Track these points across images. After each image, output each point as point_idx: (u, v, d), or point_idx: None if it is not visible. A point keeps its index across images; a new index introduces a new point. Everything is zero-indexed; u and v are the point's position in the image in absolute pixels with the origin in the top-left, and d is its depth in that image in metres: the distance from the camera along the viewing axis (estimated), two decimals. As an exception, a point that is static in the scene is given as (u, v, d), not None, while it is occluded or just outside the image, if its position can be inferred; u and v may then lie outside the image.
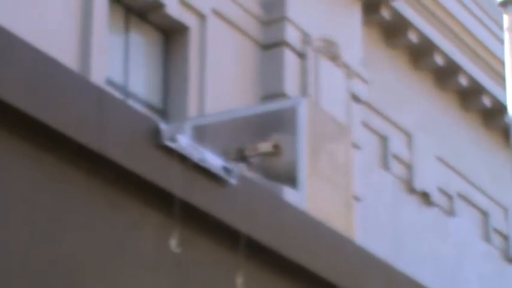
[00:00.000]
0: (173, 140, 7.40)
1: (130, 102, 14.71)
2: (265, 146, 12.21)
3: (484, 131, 21.97)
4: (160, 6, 15.62)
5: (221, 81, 16.34)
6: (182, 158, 7.51)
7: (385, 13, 19.35)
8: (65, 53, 13.80)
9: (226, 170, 7.88)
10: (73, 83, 7.43)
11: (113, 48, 15.47)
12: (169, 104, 16.07)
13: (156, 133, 7.46)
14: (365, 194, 17.47)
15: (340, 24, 18.46)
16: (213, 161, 7.87)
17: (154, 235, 7.56)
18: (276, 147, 12.17)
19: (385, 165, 19.43)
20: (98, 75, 14.46)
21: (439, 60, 20.32)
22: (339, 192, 13.48)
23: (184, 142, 7.57)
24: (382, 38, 20.16)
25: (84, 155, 6.93)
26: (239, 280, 8.01)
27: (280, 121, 12.95)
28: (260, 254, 8.23)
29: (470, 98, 21.77)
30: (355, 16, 18.94)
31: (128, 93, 15.46)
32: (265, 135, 12.38)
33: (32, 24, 13.70)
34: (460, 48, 20.70)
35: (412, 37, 20.08)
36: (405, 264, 14.39)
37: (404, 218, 19.44)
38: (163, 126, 7.49)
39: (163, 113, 15.65)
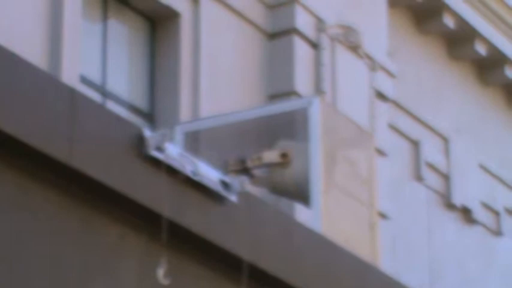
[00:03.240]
0: (160, 149, 7.41)
1: (109, 105, 14.83)
2: (271, 156, 12.53)
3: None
4: None
5: (219, 78, 16.17)
6: (171, 171, 7.51)
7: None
8: (30, 46, 13.86)
9: (225, 184, 7.92)
10: (40, 82, 7.43)
11: (88, 39, 15.24)
12: (157, 106, 16.03)
13: (140, 141, 7.49)
14: (393, 211, 17.33)
15: (361, 8, 18.33)
16: (209, 174, 7.91)
17: (138, 263, 7.56)
18: (284, 156, 12.43)
19: (418, 176, 19.13)
20: (70, 72, 14.34)
21: (481, 48, 19.88)
22: (360, 209, 13.80)
23: (173, 152, 7.59)
24: (412, 23, 20.02)
25: (53, 168, 6.93)
26: None
27: (289, 125, 13.26)
28: (267, 286, 8.41)
29: (520, 94, 17.71)
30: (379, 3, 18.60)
31: (106, 94, 15.34)
32: (272, 142, 12.82)
33: None
34: (506, 34, 20.34)
35: (449, 21, 19.69)
36: None
37: (442, 239, 19.15)
38: (148, 133, 7.49)
39: (149, 117, 15.60)
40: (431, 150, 19.99)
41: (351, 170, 13.60)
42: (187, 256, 7.98)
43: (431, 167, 19.90)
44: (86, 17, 15.51)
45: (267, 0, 17.60)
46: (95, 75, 15.55)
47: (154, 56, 16.62)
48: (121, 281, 7.76)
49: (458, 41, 20.49)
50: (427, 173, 19.78)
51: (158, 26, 16.87)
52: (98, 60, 15.90)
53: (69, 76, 14.34)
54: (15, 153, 6.95)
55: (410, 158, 19.68)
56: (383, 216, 16.40)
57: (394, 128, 18.91)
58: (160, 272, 7.55)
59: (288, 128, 13.17)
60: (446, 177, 20.47)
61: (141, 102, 16.25)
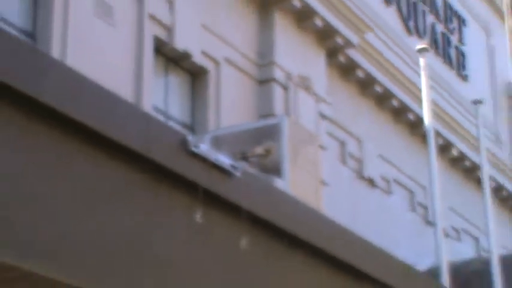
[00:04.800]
0: (197, 147, 7.27)
1: (170, 122, 15.38)
2: (260, 150, 12.38)
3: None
4: (189, 56, 15.99)
5: (230, 105, 16.59)
6: (203, 159, 7.31)
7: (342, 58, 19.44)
8: (124, 89, 13.67)
9: (233, 166, 7.71)
10: (128, 110, 7.20)
11: (157, 85, 15.83)
12: (196, 122, 16.19)
13: (185, 142, 7.24)
14: (329, 181, 17.65)
15: (311, 64, 18.57)
16: (224, 160, 7.63)
17: (184, 213, 7.24)
18: (268, 150, 12.36)
19: (342, 160, 19.70)
20: (146, 102, 14.70)
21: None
22: (311, 180, 13.66)
23: (204, 148, 7.38)
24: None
25: (135, 158, 6.70)
26: (243, 241, 7.74)
27: (270, 132, 12.98)
28: (257, 224, 7.90)
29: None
30: (321, 59, 19.07)
31: (168, 116, 15.71)
32: (260, 142, 12.54)
33: (102, 69, 13.31)
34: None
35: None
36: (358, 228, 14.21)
37: (357, 198, 19.53)
38: (190, 137, 7.42)
39: (191, 128, 15.92)
40: (352, 147, 19.95)
41: (305, 158, 13.42)
42: (213, 207, 7.34)
43: (351, 156, 19.72)
44: (156, 72, 15.60)
45: (258, 62, 17.51)
46: (161, 105, 15.70)
47: (194, 95, 16.53)
48: (173, 223, 7.28)
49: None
50: (349, 160, 19.82)
51: (196, 77, 16.66)
52: (162, 95, 15.89)
53: (147, 106, 14.54)
54: (118, 151, 6.58)
55: (339, 151, 19.34)
56: (324, 184, 16.26)
57: (330, 134, 18.74)
58: (198, 216, 7.11)
59: (270, 134, 12.79)
60: (360, 162, 20.37)
61: (187, 120, 16.16)
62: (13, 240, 5.79)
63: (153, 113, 13.87)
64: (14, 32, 12.50)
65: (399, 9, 22.10)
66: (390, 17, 21.73)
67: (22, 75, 5.78)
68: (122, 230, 6.67)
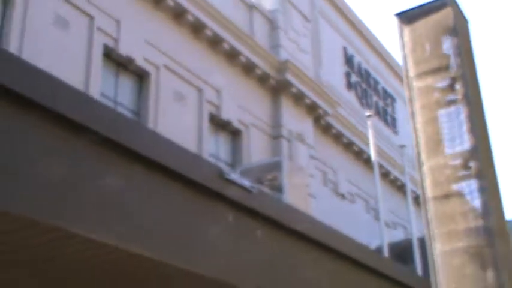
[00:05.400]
0: (229, 175, 7.09)
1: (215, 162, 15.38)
2: (270, 176, 13.18)
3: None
4: (230, 122, 16.23)
5: (257, 152, 16.41)
6: (233, 182, 7.10)
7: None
8: (189, 140, 14.47)
9: (252, 187, 7.43)
10: (187, 155, 7.07)
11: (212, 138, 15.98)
12: (235, 162, 16.01)
13: (222, 172, 7.07)
14: (317, 195, 17.88)
15: (304, 127, 18.47)
16: (246, 183, 7.36)
17: (222, 215, 6.92)
18: (274, 177, 13.18)
19: (324, 183, 19.41)
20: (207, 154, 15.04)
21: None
22: (301, 195, 14.37)
23: (235, 176, 7.20)
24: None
25: (191, 182, 6.51)
26: (258, 233, 7.52)
27: (276, 166, 13.79)
28: (269, 222, 7.54)
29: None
30: (310, 123, 19.05)
31: (219, 159, 15.76)
32: (270, 172, 13.40)
33: (177, 132, 13.83)
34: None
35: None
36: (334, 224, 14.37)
37: (333, 206, 19.01)
38: (225, 169, 7.31)
39: (232, 165, 15.70)
40: (331, 176, 19.85)
41: (299, 181, 14.06)
42: (241, 211, 7.16)
43: (330, 181, 19.75)
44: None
45: (271, 125, 17.60)
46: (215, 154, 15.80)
47: (234, 152, 16.58)
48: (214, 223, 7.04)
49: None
50: (328, 183, 19.57)
51: (236, 136, 16.64)
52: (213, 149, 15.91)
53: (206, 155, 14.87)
54: (173, 177, 6.35)
55: (321, 178, 19.39)
56: (312, 197, 17.06)
57: (315, 167, 18.90)
58: (230, 217, 7.09)
59: (277, 167, 13.52)
60: (336, 184, 20.08)
61: (229, 161, 16.02)
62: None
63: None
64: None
65: (356, 92, 22.38)
66: (350, 97, 21.93)
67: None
68: (187, 224, 6.50)
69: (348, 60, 22.40)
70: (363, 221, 19.66)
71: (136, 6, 14.15)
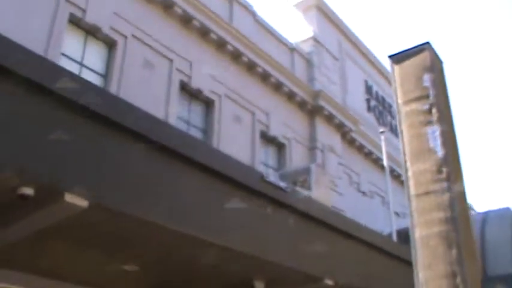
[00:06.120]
0: (268, 177, 6.93)
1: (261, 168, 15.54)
2: (302, 178, 13.03)
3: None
4: (276, 137, 16.28)
5: (299, 160, 16.21)
6: (270, 183, 6.93)
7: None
8: (243, 155, 14.74)
9: (286, 187, 7.24)
10: (236, 164, 6.91)
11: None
12: (280, 168, 15.83)
13: (262, 175, 6.95)
14: (343, 193, 17.83)
15: (333, 140, 18.19)
16: (281, 184, 7.21)
17: (262, 209, 6.76)
18: (305, 179, 13.05)
19: (350, 184, 19.03)
20: (257, 164, 15.11)
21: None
22: (325, 193, 13.82)
23: (273, 178, 7.10)
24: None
25: (242, 185, 6.45)
26: (290, 220, 7.29)
27: (307, 171, 13.46)
28: (298, 213, 7.31)
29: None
30: (338, 137, 18.72)
31: (267, 165, 15.78)
32: (302, 175, 13.22)
33: (237, 146, 14.47)
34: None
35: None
36: (357, 217, 14.35)
37: (357, 201, 18.64)
38: (265, 172, 7.20)
39: (277, 170, 15.47)
40: (355, 177, 19.47)
41: (323, 182, 13.69)
42: (278, 206, 6.98)
43: (355, 183, 19.30)
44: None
45: (308, 139, 17.41)
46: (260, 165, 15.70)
47: (280, 157, 16.55)
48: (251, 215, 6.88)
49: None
50: (353, 183, 19.16)
51: (280, 147, 16.60)
52: (263, 158, 15.89)
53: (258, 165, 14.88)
54: (227, 183, 6.22)
55: (347, 179, 18.99)
56: (340, 194, 17.01)
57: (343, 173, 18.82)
58: (268, 209, 6.95)
59: (307, 171, 13.19)
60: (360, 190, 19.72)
61: (276, 167, 15.92)
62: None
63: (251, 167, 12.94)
64: None
65: (374, 114, 21.87)
66: (370, 117, 21.44)
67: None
68: (241, 216, 6.34)
69: (368, 89, 22.13)
70: (379, 212, 19.19)
71: (206, 51, 14.25)
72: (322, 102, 17.83)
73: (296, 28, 19.64)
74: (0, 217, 4.74)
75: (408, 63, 4.93)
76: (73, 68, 10.95)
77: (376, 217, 18.09)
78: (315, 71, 18.61)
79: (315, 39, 19.24)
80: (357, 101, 20.85)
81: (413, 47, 4.99)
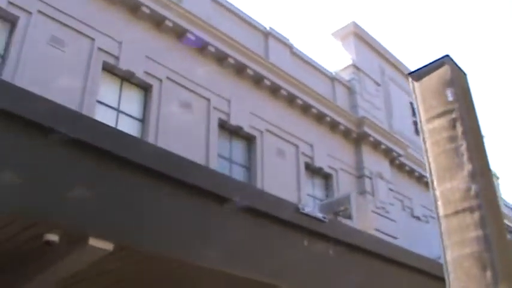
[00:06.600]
0: (303, 209, 6.80)
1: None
2: (342, 208, 12.98)
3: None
4: (322, 169, 16.18)
5: (345, 188, 15.84)
6: (306, 214, 6.76)
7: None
8: (287, 192, 14.71)
9: (324, 217, 7.04)
10: (274, 199, 6.88)
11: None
12: (328, 198, 15.65)
13: (298, 207, 6.78)
14: (396, 220, 17.41)
15: (382, 166, 18.03)
16: (318, 214, 6.99)
17: (299, 240, 6.58)
18: (346, 208, 12.97)
19: (403, 209, 18.58)
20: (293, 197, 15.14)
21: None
22: (366, 220, 13.77)
23: (308, 209, 6.88)
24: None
25: (278, 219, 6.31)
26: (330, 251, 7.07)
27: (347, 199, 13.34)
28: (341, 245, 7.14)
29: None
30: (387, 163, 18.54)
31: (315, 197, 15.67)
32: (342, 205, 13.12)
33: (280, 179, 14.39)
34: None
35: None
36: (412, 241, 14.21)
37: (411, 226, 18.27)
38: (300, 205, 6.95)
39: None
40: (415, 205, 19.13)
41: (363, 210, 13.64)
42: (316, 236, 6.80)
43: (405, 209, 19.13)
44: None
45: (355, 168, 17.36)
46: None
47: (328, 187, 16.45)
48: (279, 243, 6.75)
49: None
50: (400, 209, 19.02)
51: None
52: (310, 190, 15.91)
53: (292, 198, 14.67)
54: (257, 215, 6.09)
55: (401, 204, 18.84)
56: (393, 221, 16.39)
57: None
58: (305, 242, 6.71)
59: (347, 200, 13.19)
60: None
61: (323, 198, 15.77)
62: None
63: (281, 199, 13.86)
64: None
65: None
66: (419, 140, 19.65)
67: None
68: (275, 249, 6.27)
69: (415, 111, 21.37)
70: (436, 237, 18.04)
71: (243, 87, 14.32)
72: (367, 129, 17.65)
73: (335, 57, 19.60)
74: (23, 268, 4.72)
75: (428, 79, 4.77)
76: (110, 114, 11.21)
77: (431, 242, 16.96)
78: (357, 98, 18.48)
79: (354, 66, 19.16)
80: (404, 125, 20.54)
81: (432, 62, 4.86)
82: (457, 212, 4.21)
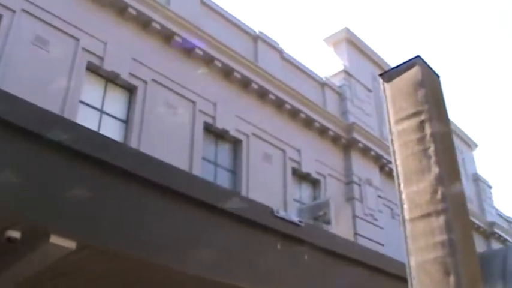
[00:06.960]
0: (278, 213, 6.70)
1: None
2: (321, 213, 12.96)
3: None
4: (309, 174, 16.12)
5: (332, 194, 16.03)
6: (281, 218, 6.70)
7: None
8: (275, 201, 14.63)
9: (299, 221, 6.97)
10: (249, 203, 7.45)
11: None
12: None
13: (272, 211, 6.66)
14: (384, 227, 17.26)
15: (372, 173, 18.04)
16: (294, 218, 6.94)
17: (273, 244, 6.47)
18: (325, 213, 12.98)
19: (392, 217, 18.29)
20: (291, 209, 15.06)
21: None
22: (346, 226, 14.18)
23: (283, 213, 6.78)
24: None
25: (250, 222, 6.27)
26: (305, 256, 6.98)
27: (325, 205, 13.50)
28: (316, 249, 7.03)
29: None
30: (376, 170, 18.50)
31: (301, 202, 15.48)
32: (321, 210, 13.16)
33: (267, 184, 14.44)
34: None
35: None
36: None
37: (398, 234, 18.06)
38: (275, 208, 6.81)
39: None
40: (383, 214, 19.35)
41: (344, 216, 13.96)
42: (290, 241, 6.72)
43: (371, 214, 18.73)
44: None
45: (344, 174, 17.26)
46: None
47: (315, 193, 16.46)
48: (266, 249, 6.85)
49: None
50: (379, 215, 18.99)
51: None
52: (297, 195, 15.92)
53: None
54: (245, 225, 6.16)
55: (390, 212, 18.67)
56: (381, 228, 16.44)
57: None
58: (278, 245, 6.62)
59: (325, 205, 13.33)
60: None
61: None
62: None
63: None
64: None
65: None
66: None
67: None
68: (245, 248, 6.15)
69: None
70: None
71: (230, 90, 14.21)
72: (356, 135, 17.48)
73: (326, 63, 19.48)
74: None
75: (399, 80, 4.66)
76: (93, 114, 11.06)
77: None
78: (348, 104, 18.34)
79: (346, 72, 19.03)
80: (394, 132, 20.38)
81: (403, 63, 4.77)
82: (423, 216, 4.10)
